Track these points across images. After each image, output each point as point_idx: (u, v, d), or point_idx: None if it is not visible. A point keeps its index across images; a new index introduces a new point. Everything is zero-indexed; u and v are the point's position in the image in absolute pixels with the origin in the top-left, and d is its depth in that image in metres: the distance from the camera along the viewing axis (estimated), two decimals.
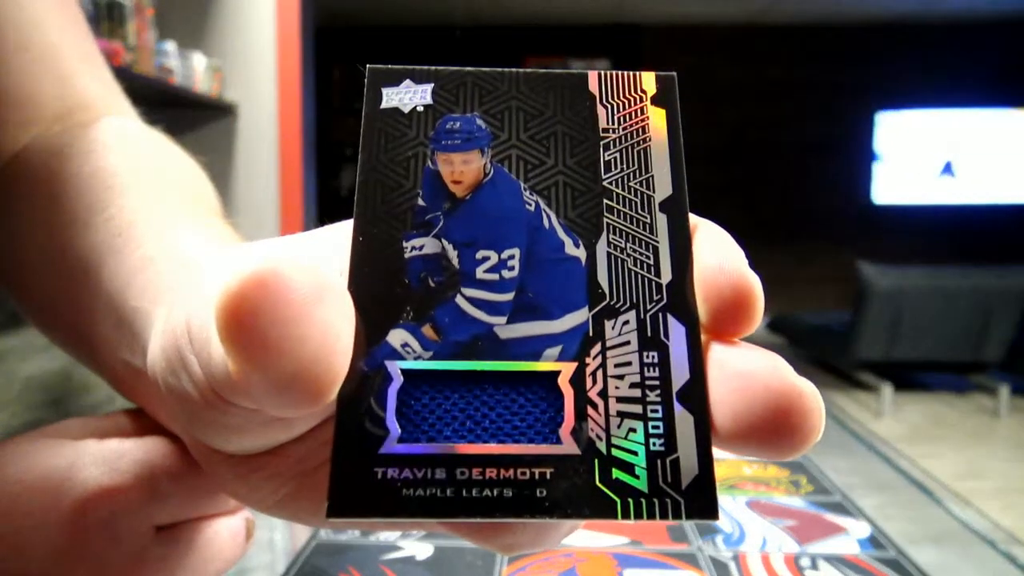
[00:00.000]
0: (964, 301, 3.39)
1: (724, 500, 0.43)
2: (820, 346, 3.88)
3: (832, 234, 5.10)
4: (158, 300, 0.22)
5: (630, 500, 0.13)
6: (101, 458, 0.23)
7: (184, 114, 2.36)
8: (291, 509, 0.21)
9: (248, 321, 0.12)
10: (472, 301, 0.15)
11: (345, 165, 4.80)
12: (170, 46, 2.28)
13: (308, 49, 2.67)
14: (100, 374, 0.29)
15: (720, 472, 0.47)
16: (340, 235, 0.16)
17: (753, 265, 0.15)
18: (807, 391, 0.14)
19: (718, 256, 0.15)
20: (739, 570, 0.34)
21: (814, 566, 0.35)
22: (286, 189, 2.40)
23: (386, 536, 0.38)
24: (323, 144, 3.09)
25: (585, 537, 0.38)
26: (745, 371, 0.14)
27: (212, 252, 0.23)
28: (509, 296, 0.15)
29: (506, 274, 0.15)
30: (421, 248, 0.15)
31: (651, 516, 0.13)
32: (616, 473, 0.14)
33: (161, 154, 0.33)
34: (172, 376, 0.18)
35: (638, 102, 0.16)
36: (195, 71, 2.37)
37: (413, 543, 0.37)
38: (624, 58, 4.83)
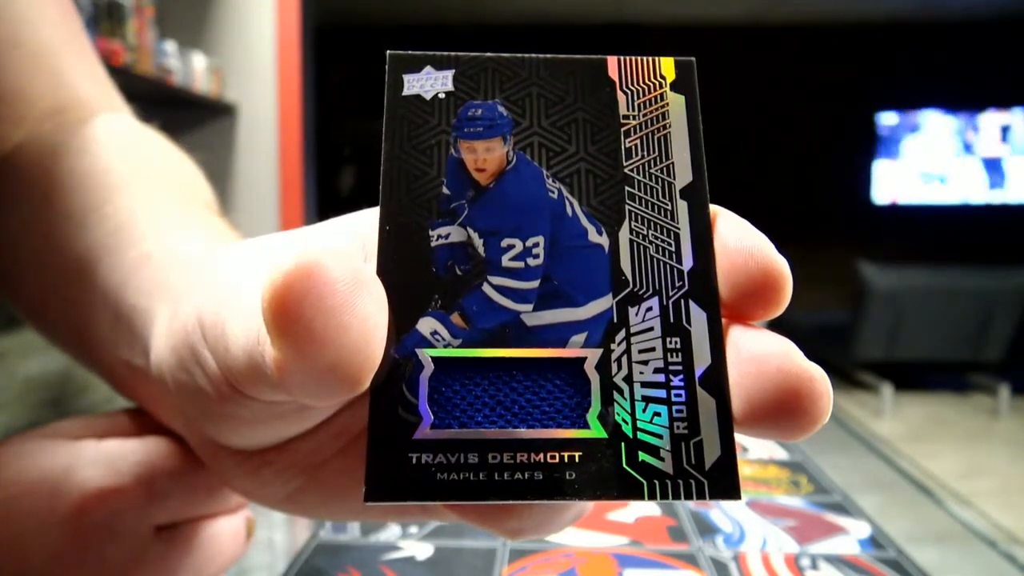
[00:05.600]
0: (964, 301, 3.39)
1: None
2: (820, 346, 3.88)
3: (832, 234, 5.10)
4: (158, 298, 0.22)
5: (656, 482, 0.14)
6: (100, 459, 0.23)
7: (184, 114, 2.36)
8: (301, 504, 0.21)
9: (295, 310, 0.13)
10: (498, 289, 0.15)
11: (345, 165, 4.80)
12: (170, 46, 2.28)
13: (308, 49, 2.67)
14: (97, 373, 0.29)
15: None
16: (355, 225, 0.16)
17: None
18: (817, 375, 0.14)
19: (745, 242, 0.15)
20: (739, 570, 0.34)
21: (814, 566, 0.35)
22: (286, 189, 2.40)
23: (386, 536, 0.38)
24: (323, 144, 3.09)
25: (585, 537, 0.38)
26: (759, 355, 0.14)
27: (212, 249, 0.23)
28: (534, 284, 0.15)
29: (531, 262, 0.15)
30: (447, 236, 0.15)
31: (676, 497, 0.14)
32: (642, 456, 0.14)
33: (156, 151, 0.33)
34: (183, 372, 0.18)
35: (657, 88, 0.16)
36: (195, 71, 2.37)
37: (413, 543, 0.37)
38: None
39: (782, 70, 5.08)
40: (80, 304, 0.27)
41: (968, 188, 5.03)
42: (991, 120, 4.97)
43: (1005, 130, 4.97)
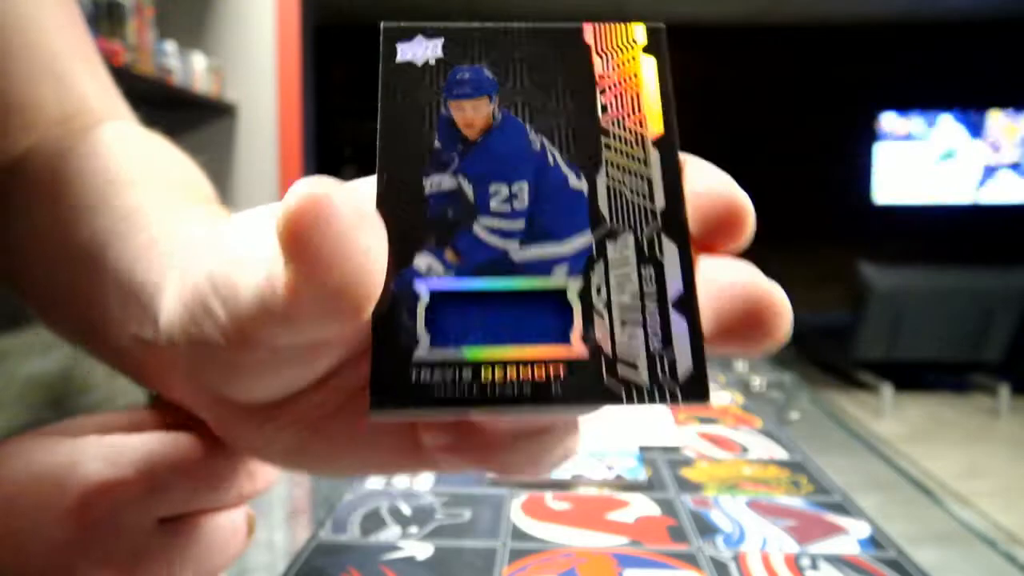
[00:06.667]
0: (964, 301, 3.39)
1: (724, 500, 0.43)
2: (820, 346, 3.87)
3: (832, 234, 5.10)
4: (167, 270, 0.23)
5: (633, 390, 0.15)
6: (102, 453, 0.23)
7: (184, 114, 2.37)
8: (305, 458, 0.22)
9: (306, 234, 0.14)
10: (487, 229, 0.16)
11: (345, 165, 4.80)
12: (170, 46, 2.28)
13: (308, 49, 2.67)
14: (106, 358, 0.30)
15: (720, 472, 0.47)
16: (354, 183, 0.17)
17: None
18: (777, 296, 0.16)
19: (712, 183, 0.17)
20: (739, 570, 0.34)
21: (814, 566, 0.35)
22: (286, 189, 2.40)
23: (386, 536, 0.38)
24: (323, 144, 3.09)
25: (585, 537, 0.38)
26: (727, 280, 0.16)
27: (216, 226, 0.24)
28: (520, 224, 0.16)
29: (517, 205, 0.17)
30: (440, 184, 0.17)
31: (652, 401, 0.15)
32: (620, 370, 0.16)
33: (161, 154, 0.34)
34: (194, 327, 0.19)
35: (630, 50, 0.18)
36: (195, 71, 2.37)
37: (413, 543, 0.37)
38: None
39: (782, 70, 5.08)
40: (90, 288, 0.28)
41: (968, 188, 5.03)
42: (991, 120, 4.96)
43: (1004, 130, 4.96)
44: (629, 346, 0.16)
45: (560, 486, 0.45)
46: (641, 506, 0.42)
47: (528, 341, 0.16)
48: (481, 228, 0.16)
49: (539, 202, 0.17)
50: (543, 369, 0.16)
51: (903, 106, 5.02)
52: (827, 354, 3.87)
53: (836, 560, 0.36)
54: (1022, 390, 3.57)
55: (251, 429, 0.21)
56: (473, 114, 0.17)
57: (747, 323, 0.16)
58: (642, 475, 0.45)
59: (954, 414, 3.50)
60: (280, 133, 2.45)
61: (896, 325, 3.41)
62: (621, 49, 0.18)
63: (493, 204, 0.16)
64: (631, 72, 0.17)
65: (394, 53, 0.17)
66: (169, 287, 0.22)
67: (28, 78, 0.36)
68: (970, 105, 4.95)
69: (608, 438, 0.52)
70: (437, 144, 0.17)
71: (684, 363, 0.15)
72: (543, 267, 0.16)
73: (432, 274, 0.16)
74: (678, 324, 0.16)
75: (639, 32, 0.18)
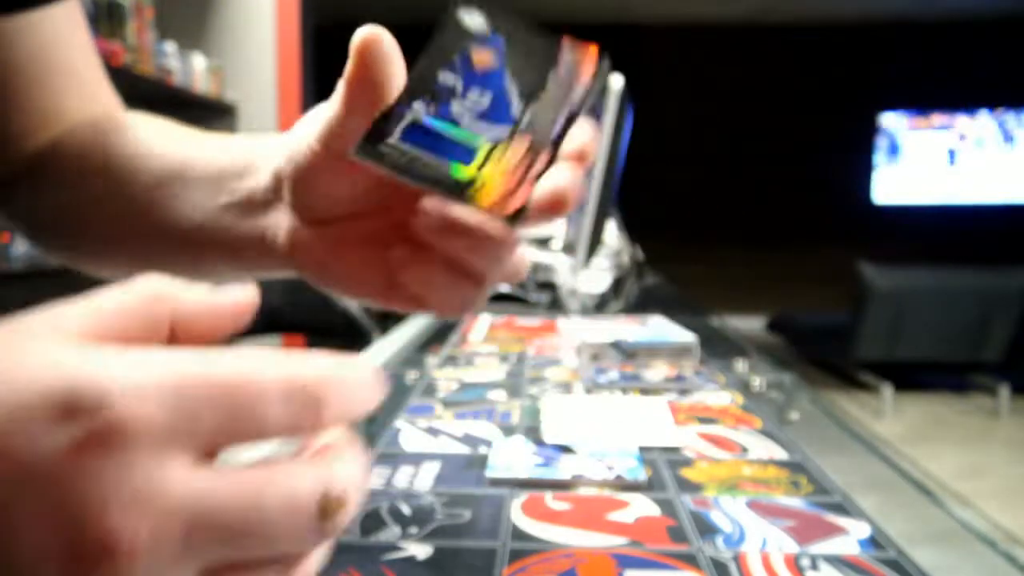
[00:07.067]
0: (964, 301, 3.39)
1: (724, 500, 0.43)
2: (820, 346, 3.87)
3: (832, 234, 5.09)
4: (261, 151, 0.37)
5: (486, 205, 0.29)
6: (125, 378, 0.18)
7: (184, 114, 2.36)
8: (325, 271, 0.35)
9: (368, 44, 0.30)
10: (460, 107, 0.30)
11: None
12: (170, 46, 2.28)
13: (308, 49, 2.67)
14: (187, 253, 0.39)
15: (720, 472, 0.47)
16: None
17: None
18: (570, 192, 0.30)
19: (584, 137, 0.31)
20: (739, 570, 0.34)
21: (814, 566, 0.35)
22: None
23: (386, 536, 0.38)
24: None
25: (585, 537, 0.38)
26: (557, 179, 0.30)
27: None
28: (476, 111, 0.30)
29: (481, 104, 0.31)
30: (446, 79, 0.31)
31: (494, 212, 0.29)
32: (483, 192, 0.29)
33: (173, 124, 0.43)
34: (297, 153, 0.33)
35: (581, 64, 0.32)
36: (195, 71, 2.37)
37: (413, 543, 0.37)
38: (624, 58, 4.83)
39: (782, 70, 5.08)
40: (179, 200, 0.38)
41: (968, 188, 5.02)
42: (991, 120, 4.96)
43: (1003, 130, 4.96)
44: (498, 187, 0.29)
45: (560, 486, 0.45)
46: (641, 506, 0.42)
47: (448, 160, 0.30)
48: (455, 104, 0.30)
49: (492, 108, 0.31)
50: (446, 171, 0.29)
51: (903, 106, 5.01)
52: (827, 354, 3.87)
53: (836, 560, 0.36)
54: (1022, 390, 3.57)
55: (310, 240, 0.35)
56: (482, 58, 0.31)
57: (552, 203, 0.30)
58: (642, 475, 0.45)
59: (954, 414, 3.50)
60: (280, 133, 2.44)
61: (896, 325, 3.41)
62: (574, 63, 0.32)
63: (469, 97, 0.31)
64: (568, 81, 0.31)
65: (456, 15, 0.31)
66: (272, 153, 0.36)
67: (58, 87, 0.44)
68: (970, 105, 4.95)
69: (608, 438, 0.52)
70: (456, 60, 0.31)
71: (518, 203, 0.29)
72: (476, 132, 0.30)
73: (416, 113, 0.30)
74: (526, 188, 0.30)
75: (591, 55, 0.32)
